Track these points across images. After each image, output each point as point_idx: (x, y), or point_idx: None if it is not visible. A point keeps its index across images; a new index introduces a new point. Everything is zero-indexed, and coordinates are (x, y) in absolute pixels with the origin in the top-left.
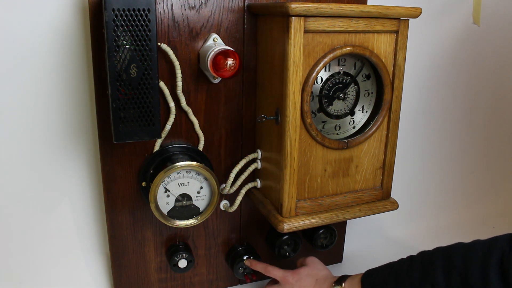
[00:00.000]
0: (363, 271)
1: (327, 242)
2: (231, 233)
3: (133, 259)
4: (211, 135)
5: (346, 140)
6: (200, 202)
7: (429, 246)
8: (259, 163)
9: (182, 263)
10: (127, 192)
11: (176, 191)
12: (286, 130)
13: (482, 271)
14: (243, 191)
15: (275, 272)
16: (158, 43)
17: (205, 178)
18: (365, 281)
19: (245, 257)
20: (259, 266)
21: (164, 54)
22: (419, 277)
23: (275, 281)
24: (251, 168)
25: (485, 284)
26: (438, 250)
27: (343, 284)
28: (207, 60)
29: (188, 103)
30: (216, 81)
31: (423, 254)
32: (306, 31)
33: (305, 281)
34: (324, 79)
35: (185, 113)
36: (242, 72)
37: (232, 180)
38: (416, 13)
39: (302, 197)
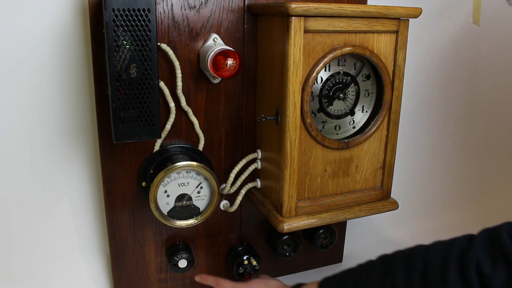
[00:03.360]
0: None
1: (327, 242)
2: (231, 233)
3: (133, 259)
4: (211, 135)
5: (346, 140)
6: (200, 202)
7: None
8: (259, 163)
9: (182, 263)
10: (127, 192)
11: (176, 191)
12: (286, 130)
13: (442, 268)
14: (243, 191)
15: (226, 285)
16: (158, 43)
17: (205, 178)
18: (322, 286)
19: (245, 257)
20: (210, 280)
21: (164, 54)
22: (379, 278)
23: None
24: (251, 168)
25: (444, 281)
26: (399, 252)
27: None
28: (207, 60)
29: (188, 103)
30: (216, 81)
31: (383, 256)
32: (306, 31)
33: None
34: (324, 79)
35: (185, 113)
36: (242, 72)
37: (232, 180)
38: (416, 13)
39: (302, 197)
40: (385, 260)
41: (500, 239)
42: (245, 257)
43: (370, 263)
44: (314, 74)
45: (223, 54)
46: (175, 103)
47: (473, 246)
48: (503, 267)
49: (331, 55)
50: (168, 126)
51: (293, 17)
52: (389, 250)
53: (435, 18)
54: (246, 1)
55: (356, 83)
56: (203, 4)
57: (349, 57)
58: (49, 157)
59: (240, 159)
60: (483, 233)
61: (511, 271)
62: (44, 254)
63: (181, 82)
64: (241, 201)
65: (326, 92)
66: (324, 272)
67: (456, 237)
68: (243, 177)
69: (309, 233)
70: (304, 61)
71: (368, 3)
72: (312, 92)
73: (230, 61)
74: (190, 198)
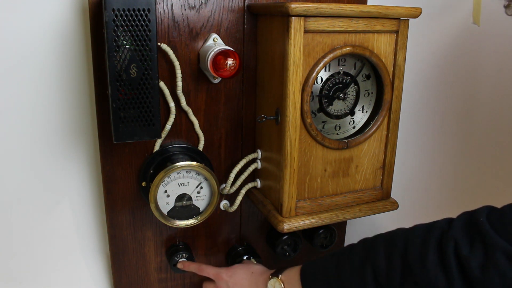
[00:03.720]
0: None
1: (327, 242)
2: (231, 233)
3: (133, 259)
4: (211, 135)
5: (346, 140)
6: (200, 202)
7: None
8: (259, 163)
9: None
10: (127, 192)
11: (176, 191)
12: (286, 130)
13: (421, 249)
14: (243, 191)
15: (208, 270)
16: (158, 43)
17: (205, 178)
18: (304, 270)
19: (245, 257)
20: (193, 267)
21: (164, 54)
22: (360, 260)
23: (211, 280)
24: (251, 168)
25: (423, 262)
26: (380, 235)
27: (279, 276)
28: (207, 60)
29: (188, 103)
30: (216, 81)
31: (364, 240)
32: (306, 31)
33: (239, 275)
34: (324, 79)
35: (185, 113)
36: (242, 72)
37: (232, 180)
38: (416, 13)
39: (302, 197)
40: (366, 243)
41: (478, 220)
42: (245, 257)
43: (351, 247)
44: (314, 74)
45: (223, 54)
46: (175, 103)
47: (452, 228)
48: (480, 249)
49: (331, 55)
50: (168, 126)
51: (293, 17)
52: None
53: (435, 18)
54: (246, 1)
55: (356, 83)
56: (203, 4)
57: (349, 57)
58: (49, 157)
59: (240, 159)
60: (462, 215)
61: (488, 252)
62: (44, 254)
63: (181, 82)
64: (241, 201)
65: (326, 92)
66: None
67: (437, 220)
68: (243, 177)
69: (309, 233)
70: (304, 61)
71: (368, 3)
72: (312, 92)
73: (230, 61)
74: (190, 198)
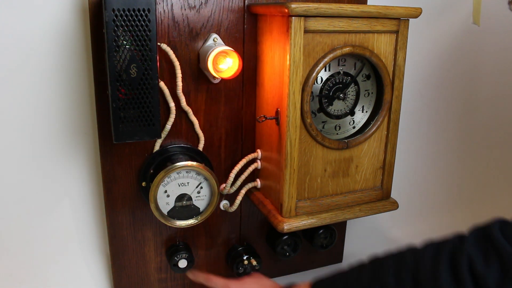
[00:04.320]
0: None
1: (327, 242)
2: (231, 233)
3: (133, 259)
4: (211, 135)
5: (346, 140)
6: (200, 202)
7: None
8: (259, 163)
9: (182, 263)
10: (127, 192)
11: (176, 191)
12: (286, 130)
13: (433, 266)
14: (243, 191)
15: (216, 281)
16: (158, 43)
17: (205, 178)
18: (313, 287)
19: (245, 257)
20: (201, 277)
21: (164, 54)
22: (369, 279)
23: None
24: (251, 168)
25: (435, 279)
26: (390, 253)
27: None
28: (207, 60)
29: (188, 103)
30: (216, 81)
31: (374, 258)
32: (306, 31)
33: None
34: (324, 79)
35: (185, 113)
36: (242, 72)
37: (232, 180)
38: (416, 13)
39: (302, 197)
40: (376, 262)
41: (492, 235)
42: (245, 257)
43: (360, 265)
44: (314, 74)
45: (223, 54)
46: (175, 103)
47: (465, 244)
48: (496, 264)
49: (331, 55)
50: (168, 126)
51: (293, 17)
52: (389, 250)
53: (435, 18)
54: (246, 1)
55: (356, 83)
56: (203, 4)
57: (349, 57)
58: (49, 157)
59: (240, 159)
60: (474, 231)
61: (505, 267)
62: (44, 254)
63: (181, 82)
64: (241, 201)
65: (326, 92)
66: (324, 272)
67: (448, 237)
68: (243, 177)
69: (309, 233)
70: (304, 61)
71: (368, 3)
72: (312, 92)
73: (230, 61)
74: (190, 198)
